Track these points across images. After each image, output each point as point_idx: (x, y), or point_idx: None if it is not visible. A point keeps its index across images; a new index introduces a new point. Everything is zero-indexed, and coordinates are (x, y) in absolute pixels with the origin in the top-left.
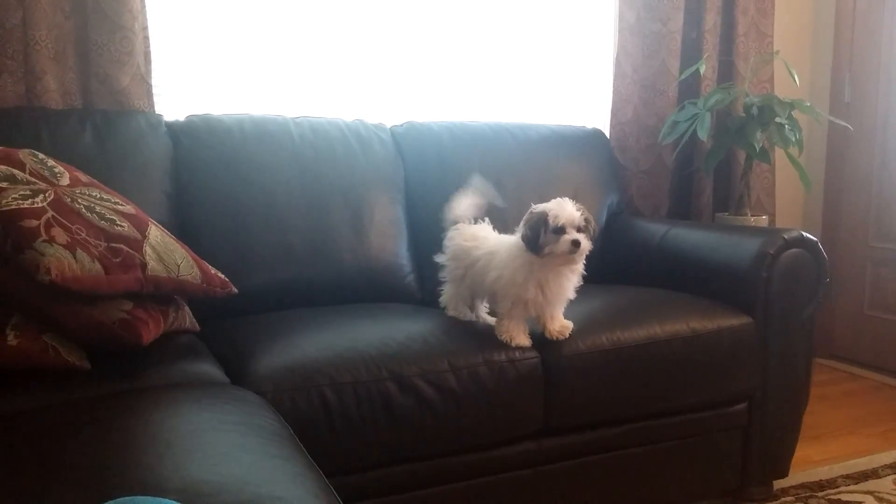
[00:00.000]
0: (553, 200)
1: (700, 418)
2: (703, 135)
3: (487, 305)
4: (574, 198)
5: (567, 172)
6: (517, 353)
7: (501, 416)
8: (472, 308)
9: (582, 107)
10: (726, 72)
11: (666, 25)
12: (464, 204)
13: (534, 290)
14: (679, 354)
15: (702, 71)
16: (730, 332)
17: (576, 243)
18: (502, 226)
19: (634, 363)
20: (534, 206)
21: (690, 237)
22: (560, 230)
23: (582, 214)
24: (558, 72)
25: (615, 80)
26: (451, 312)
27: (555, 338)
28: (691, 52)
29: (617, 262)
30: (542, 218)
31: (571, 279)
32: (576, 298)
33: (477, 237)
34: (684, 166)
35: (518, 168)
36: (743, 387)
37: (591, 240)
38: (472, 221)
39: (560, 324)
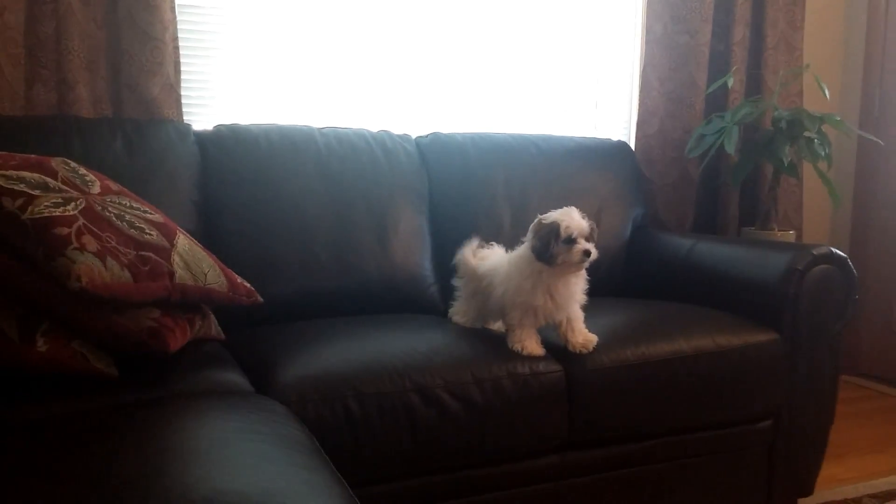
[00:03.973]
0: (559, 210)
1: (725, 435)
2: (730, 148)
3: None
4: (599, 211)
5: (592, 185)
6: (541, 366)
7: (524, 430)
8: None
9: (607, 119)
10: (754, 85)
11: (694, 38)
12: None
13: (542, 297)
14: (704, 370)
15: (730, 84)
16: (756, 349)
17: (587, 253)
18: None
19: (659, 378)
20: (541, 216)
21: (717, 252)
22: (571, 240)
23: (588, 223)
24: (584, 83)
25: (641, 92)
26: (457, 319)
27: (578, 350)
28: (719, 65)
29: (642, 276)
30: (554, 229)
31: (579, 283)
32: (600, 312)
33: (484, 256)
34: (710, 180)
35: (542, 180)
36: (769, 404)
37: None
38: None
39: (584, 337)
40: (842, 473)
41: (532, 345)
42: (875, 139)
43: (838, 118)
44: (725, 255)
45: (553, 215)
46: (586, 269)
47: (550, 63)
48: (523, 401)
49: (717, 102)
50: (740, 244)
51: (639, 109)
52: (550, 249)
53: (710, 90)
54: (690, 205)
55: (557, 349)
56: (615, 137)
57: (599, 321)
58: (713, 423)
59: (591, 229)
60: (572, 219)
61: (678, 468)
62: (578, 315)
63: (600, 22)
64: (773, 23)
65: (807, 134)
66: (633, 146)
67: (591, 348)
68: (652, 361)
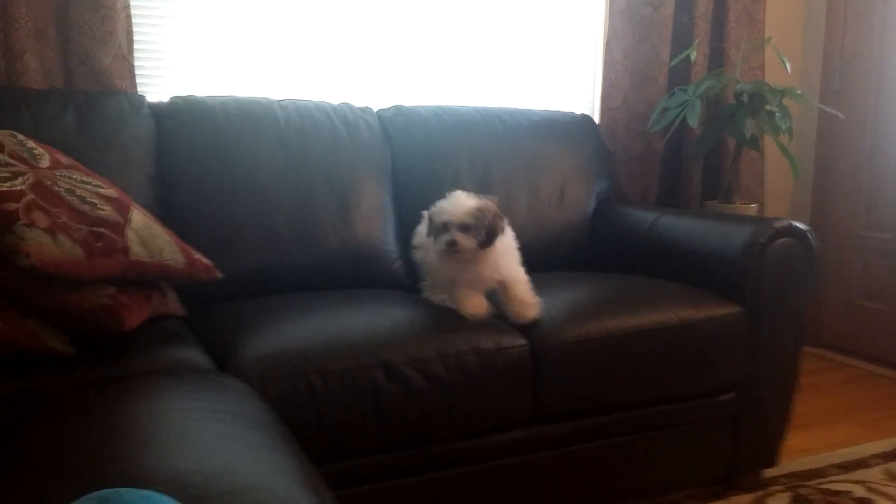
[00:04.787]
0: (450, 196)
1: (689, 407)
2: (693, 122)
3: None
4: (563, 184)
5: (556, 158)
6: (505, 341)
7: (490, 405)
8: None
9: (571, 92)
10: (717, 58)
11: (657, 10)
12: None
13: (455, 271)
14: (668, 343)
15: (693, 57)
16: (719, 322)
17: (451, 243)
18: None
19: (623, 352)
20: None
21: (680, 225)
22: (442, 228)
23: (475, 211)
24: (548, 57)
25: (605, 65)
26: (434, 299)
27: (518, 321)
28: (682, 38)
29: (606, 250)
30: (430, 215)
31: (496, 256)
32: (564, 286)
33: None
34: (674, 153)
35: (506, 154)
36: (732, 376)
37: (490, 235)
38: None
39: (520, 304)
40: (806, 444)
41: (471, 303)
42: (835, 112)
43: (799, 91)
44: (688, 229)
45: (441, 201)
46: (558, 243)
47: (514, 35)
48: (488, 376)
49: (680, 76)
50: (703, 218)
51: (602, 83)
52: (430, 235)
53: (674, 63)
54: (654, 178)
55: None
56: (579, 111)
57: (563, 296)
58: (677, 395)
59: (478, 217)
60: (449, 206)
61: (643, 441)
62: (516, 279)
63: None
64: None
65: (768, 107)
66: (597, 120)
67: (530, 315)
68: (616, 335)
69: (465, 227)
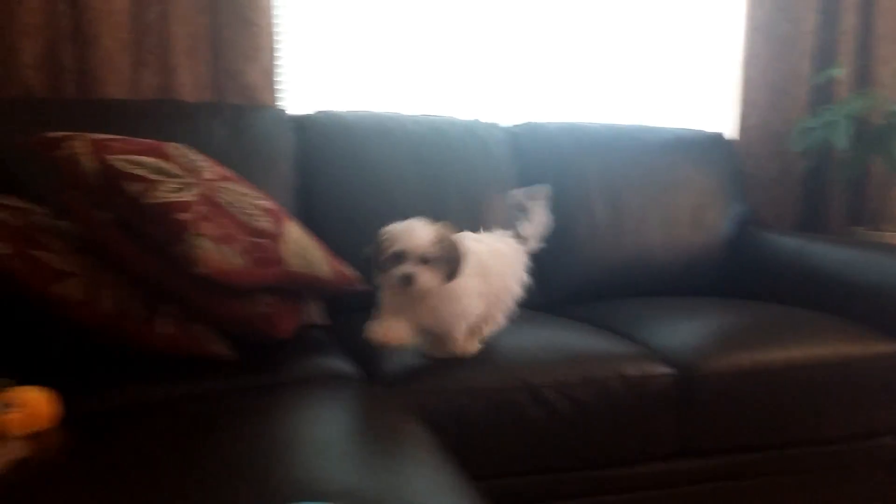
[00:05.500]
0: (405, 221)
1: (843, 450)
2: (842, 143)
3: None
4: (696, 206)
5: (689, 179)
6: (651, 369)
7: (632, 434)
8: None
9: (706, 110)
10: (862, 76)
11: (798, 26)
12: None
13: (407, 313)
14: (826, 380)
15: (837, 75)
16: (880, 360)
17: (406, 278)
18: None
19: (776, 387)
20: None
21: (831, 253)
22: (397, 258)
23: (437, 241)
24: (681, 73)
25: (742, 82)
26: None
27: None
28: (824, 55)
29: (744, 276)
30: (379, 241)
31: (450, 301)
32: (704, 312)
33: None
34: (815, 175)
35: (638, 173)
36: (890, 419)
37: (451, 271)
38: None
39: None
40: None
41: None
42: None
43: None
44: (840, 258)
45: (393, 226)
46: (692, 267)
47: (647, 51)
48: (632, 404)
49: (820, 94)
50: (857, 247)
51: (740, 100)
52: (374, 265)
53: (816, 81)
54: (792, 201)
55: (670, 351)
56: (714, 129)
57: (708, 322)
58: (830, 437)
59: (440, 249)
60: (405, 233)
61: (791, 483)
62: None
63: (700, 9)
64: (884, 11)
65: None
66: (732, 139)
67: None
68: (769, 369)
69: (425, 260)
